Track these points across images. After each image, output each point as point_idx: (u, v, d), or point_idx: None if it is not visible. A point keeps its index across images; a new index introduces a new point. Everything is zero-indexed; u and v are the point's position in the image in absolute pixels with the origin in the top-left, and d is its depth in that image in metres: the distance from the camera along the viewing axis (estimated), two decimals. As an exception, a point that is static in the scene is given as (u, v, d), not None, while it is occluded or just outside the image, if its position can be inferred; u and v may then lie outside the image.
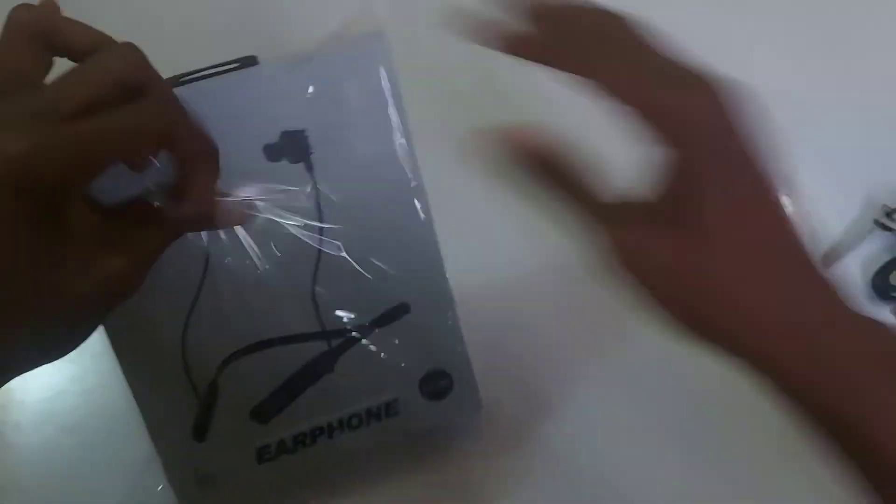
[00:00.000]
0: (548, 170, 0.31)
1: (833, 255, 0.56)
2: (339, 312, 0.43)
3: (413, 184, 0.44)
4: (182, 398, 0.43)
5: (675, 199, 0.29)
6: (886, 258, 0.55)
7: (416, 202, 0.44)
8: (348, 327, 0.44)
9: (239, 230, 0.40)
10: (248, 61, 0.43)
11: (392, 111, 0.43)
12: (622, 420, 0.52)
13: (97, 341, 0.52)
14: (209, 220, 0.35)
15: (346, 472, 0.49)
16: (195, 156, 0.33)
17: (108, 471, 0.51)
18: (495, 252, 0.54)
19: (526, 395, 0.52)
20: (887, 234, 0.56)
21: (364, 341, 0.44)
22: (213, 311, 0.42)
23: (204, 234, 0.40)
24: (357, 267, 0.43)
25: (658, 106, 0.28)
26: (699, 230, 0.28)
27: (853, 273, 0.56)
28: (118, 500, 0.50)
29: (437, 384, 0.46)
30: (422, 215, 0.44)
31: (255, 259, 0.41)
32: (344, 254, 0.42)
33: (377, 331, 0.44)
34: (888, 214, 0.56)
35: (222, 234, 0.40)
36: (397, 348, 0.44)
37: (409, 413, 0.46)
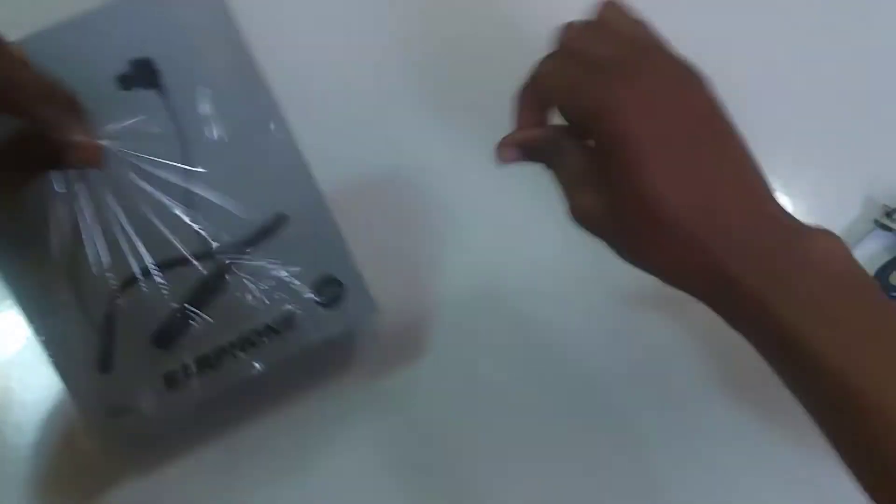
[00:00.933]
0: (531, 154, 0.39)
1: (833, 255, 0.56)
2: (219, 231, 0.45)
3: (265, 100, 0.46)
4: (81, 331, 0.44)
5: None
6: (886, 258, 0.55)
7: (271, 119, 0.46)
8: (232, 245, 0.45)
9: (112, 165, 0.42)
10: None
11: (234, 31, 0.45)
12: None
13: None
14: (57, 161, 0.38)
15: (255, 390, 0.50)
16: (42, 110, 0.36)
17: (107, 469, 0.51)
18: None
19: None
20: (887, 234, 0.56)
21: (250, 257, 0.45)
22: (98, 240, 0.43)
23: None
24: (224, 185, 0.45)
25: None
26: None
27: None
28: (117, 498, 0.51)
29: (330, 291, 0.47)
30: (278, 130, 0.46)
31: (129, 191, 0.43)
32: (207, 176, 0.44)
33: (261, 245, 0.46)
34: (888, 214, 0.56)
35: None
36: (284, 260, 0.46)
37: (307, 324, 0.47)
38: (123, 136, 0.42)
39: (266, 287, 0.46)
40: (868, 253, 0.56)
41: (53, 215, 0.42)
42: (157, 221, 0.44)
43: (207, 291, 0.45)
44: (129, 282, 0.44)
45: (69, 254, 0.43)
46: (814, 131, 0.60)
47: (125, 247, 0.43)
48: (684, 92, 0.34)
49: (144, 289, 0.44)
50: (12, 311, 0.52)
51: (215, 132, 0.45)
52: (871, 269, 0.55)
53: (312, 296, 0.47)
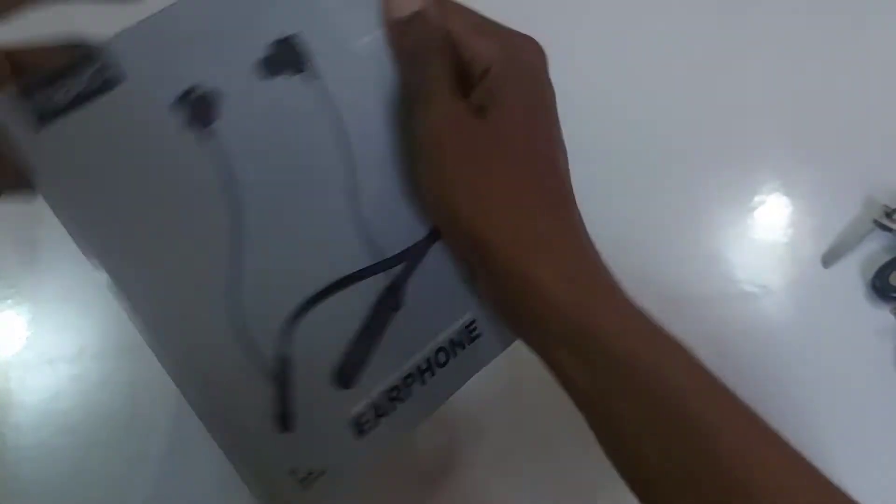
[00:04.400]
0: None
1: (833, 255, 0.56)
2: (389, 232, 0.37)
3: None
4: (249, 383, 0.35)
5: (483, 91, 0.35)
6: (886, 258, 0.55)
7: None
8: (405, 248, 0.38)
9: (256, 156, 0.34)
10: None
11: None
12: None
13: (96, 342, 0.53)
14: None
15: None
16: None
17: (107, 471, 0.51)
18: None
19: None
20: (887, 234, 0.56)
21: (426, 260, 0.38)
22: (258, 270, 0.35)
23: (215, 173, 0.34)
24: (393, 167, 0.38)
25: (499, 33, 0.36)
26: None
27: (853, 273, 0.56)
28: (116, 500, 0.51)
29: None
30: None
31: (285, 189, 0.35)
32: (381, 154, 0.37)
33: (436, 244, 0.38)
34: (888, 214, 0.56)
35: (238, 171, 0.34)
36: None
37: (490, 330, 0.40)
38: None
39: (447, 294, 0.39)
40: (868, 253, 0.56)
41: (202, 243, 0.34)
42: (318, 229, 0.36)
43: (386, 310, 0.38)
44: (300, 312, 0.36)
45: (224, 288, 0.34)
46: (814, 131, 0.60)
47: (291, 268, 0.36)
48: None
49: (317, 319, 0.36)
50: (11, 311, 0.52)
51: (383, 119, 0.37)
52: (871, 269, 0.55)
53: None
